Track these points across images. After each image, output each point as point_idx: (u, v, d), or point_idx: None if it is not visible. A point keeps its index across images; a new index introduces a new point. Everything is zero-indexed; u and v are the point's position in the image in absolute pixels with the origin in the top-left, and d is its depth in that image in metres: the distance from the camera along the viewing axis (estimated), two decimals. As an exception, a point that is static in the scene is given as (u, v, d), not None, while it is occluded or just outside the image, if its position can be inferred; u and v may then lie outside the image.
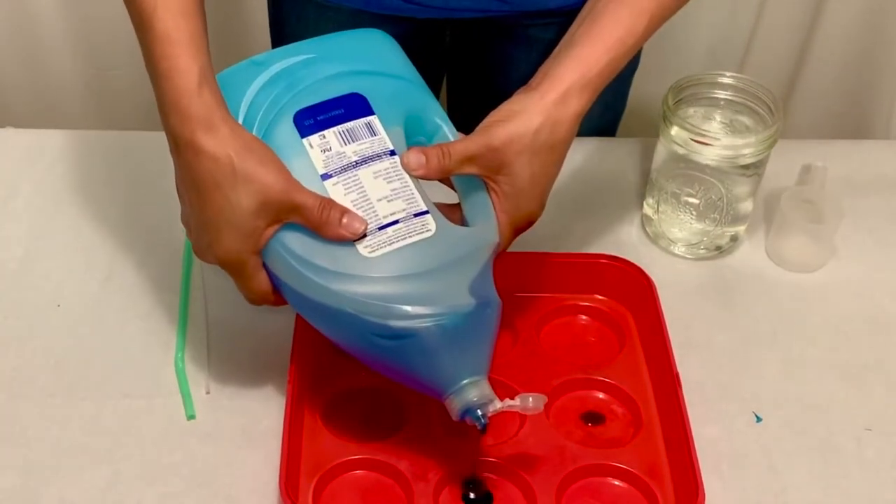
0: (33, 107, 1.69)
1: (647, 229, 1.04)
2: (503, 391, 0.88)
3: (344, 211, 0.76)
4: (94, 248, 1.01)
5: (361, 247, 0.77)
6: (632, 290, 0.94)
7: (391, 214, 0.79)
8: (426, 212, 0.80)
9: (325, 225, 0.76)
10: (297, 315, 0.88)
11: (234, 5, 1.66)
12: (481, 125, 0.82)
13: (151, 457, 0.84)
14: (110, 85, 1.68)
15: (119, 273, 0.99)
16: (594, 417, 0.88)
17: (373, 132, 0.81)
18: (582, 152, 1.14)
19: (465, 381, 0.77)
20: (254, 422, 0.86)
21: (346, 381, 0.88)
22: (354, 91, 0.82)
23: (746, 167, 0.96)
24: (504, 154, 0.80)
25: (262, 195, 0.75)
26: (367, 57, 0.85)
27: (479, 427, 0.77)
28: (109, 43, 1.63)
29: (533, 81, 0.84)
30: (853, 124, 1.70)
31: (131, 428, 0.86)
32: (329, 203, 0.76)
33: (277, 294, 0.80)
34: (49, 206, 1.06)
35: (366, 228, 0.77)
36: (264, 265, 0.79)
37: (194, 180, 0.76)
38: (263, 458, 0.83)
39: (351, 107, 0.81)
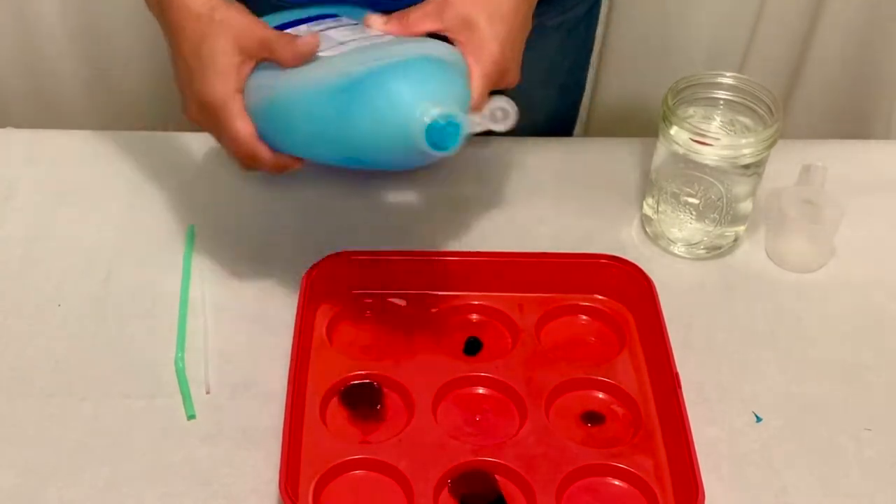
0: (33, 107, 1.69)
1: (647, 229, 1.04)
2: (503, 391, 0.89)
3: (297, 37, 0.84)
4: (94, 248, 1.01)
5: (322, 55, 0.84)
6: (632, 290, 0.94)
7: (351, 40, 0.86)
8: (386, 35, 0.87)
9: (284, 50, 0.83)
10: (298, 315, 0.88)
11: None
12: None
13: (151, 457, 0.84)
14: (110, 85, 1.68)
15: (119, 273, 0.99)
16: (594, 417, 0.88)
17: (338, 21, 0.90)
18: (582, 152, 1.14)
19: (425, 102, 0.77)
20: (254, 422, 0.86)
21: (345, 380, 0.88)
22: (326, 13, 0.92)
23: (746, 167, 0.96)
24: (457, 7, 0.86)
25: (236, 31, 0.84)
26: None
27: (447, 145, 0.77)
28: (109, 43, 1.63)
29: None
30: (853, 124, 1.70)
31: (131, 428, 0.86)
32: (289, 35, 0.85)
33: (261, 142, 0.85)
34: (49, 206, 1.06)
35: (317, 42, 0.83)
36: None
37: (184, 47, 0.85)
38: (263, 458, 0.83)
39: (319, 17, 0.92)
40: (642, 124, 1.27)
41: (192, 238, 1.01)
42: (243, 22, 0.84)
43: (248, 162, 0.87)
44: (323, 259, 0.94)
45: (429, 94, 0.78)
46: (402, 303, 0.95)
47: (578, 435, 0.86)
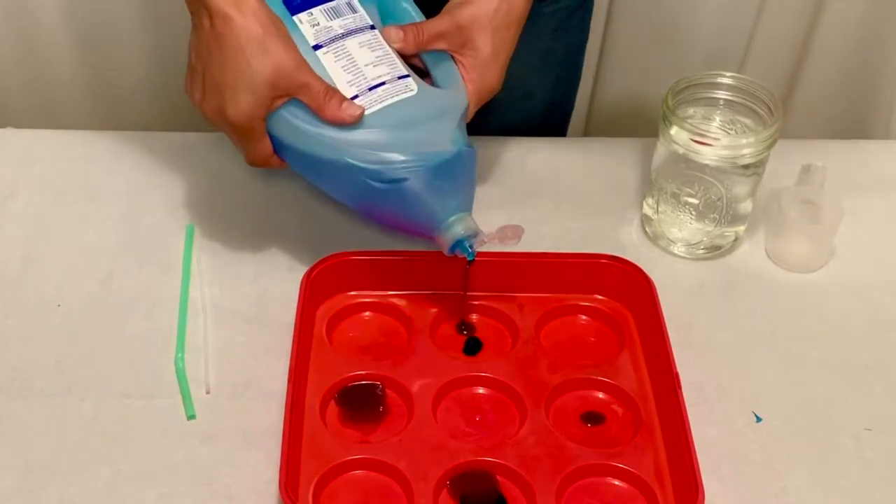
0: (33, 107, 1.69)
1: (647, 229, 1.04)
2: (503, 391, 0.89)
3: (344, 98, 0.87)
4: (94, 248, 1.01)
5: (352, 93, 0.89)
6: (632, 290, 0.94)
7: (378, 77, 0.90)
8: (407, 75, 0.92)
9: (327, 106, 0.86)
10: (298, 315, 0.88)
11: None
12: (447, 7, 0.94)
13: (151, 457, 0.84)
14: (110, 85, 1.68)
15: (119, 273, 0.99)
16: (594, 417, 0.88)
17: (353, 10, 0.93)
18: (582, 152, 1.14)
19: (452, 218, 0.88)
20: (254, 422, 0.86)
21: (345, 380, 0.88)
22: None
23: (746, 167, 0.96)
24: (469, 31, 0.93)
25: (278, 68, 0.85)
26: None
27: (468, 258, 0.89)
28: (109, 43, 1.63)
29: None
30: (853, 124, 1.70)
31: (131, 428, 0.86)
32: (332, 89, 0.87)
33: (276, 156, 0.91)
34: (49, 206, 1.06)
35: (363, 113, 0.87)
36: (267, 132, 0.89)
37: (221, 44, 0.84)
38: (263, 458, 0.83)
39: None
40: (642, 124, 1.27)
41: (191, 238, 1.01)
42: (290, 59, 0.85)
43: (255, 165, 0.92)
44: (323, 259, 0.94)
45: (459, 206, 0.89)
46: (402, 303, 0.95)
47: (578, 435, 0.86)
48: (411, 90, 0.91)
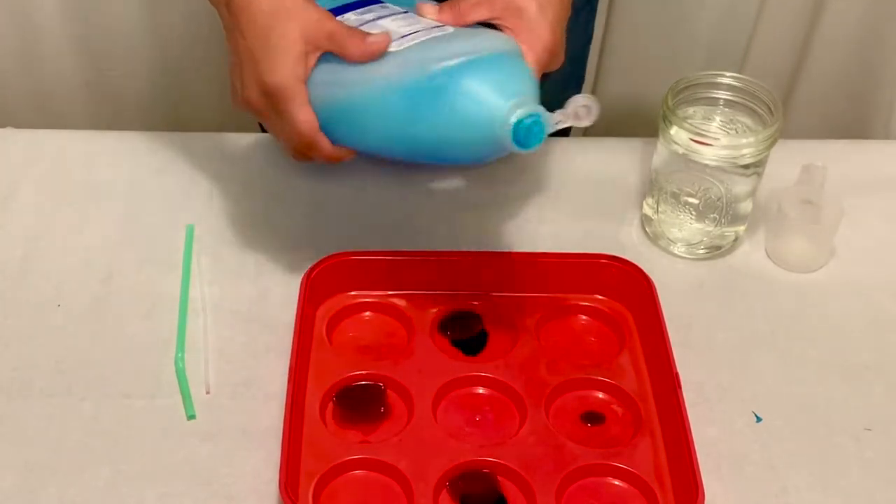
0: (33, 107, 1.69)
1: (647, 229, 1.04)
2: (503, 391, 0.89)
3: (367, 34, 0.84)
4: (94, 248, 1.01)
5: (390, 49, 0.84)
6: (632, 290, 0.94)
7: (413, 31, 0.85)
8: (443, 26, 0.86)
9: (351, 45, 0.84)
10: (298, 315, 0.88)
11: None
12: None
13: (151, 457, 0.84)
14: (110, 85, 1.68)
15: (119, 273, 0.99)
16: (594, 417, 0.88)
17: (385, 7, 0.90)
18: (582, 152, 1.14)
19: (511, 102, 0.79)
20: (254, 422, 0.86)
21: (345, 380, 0.88)
22: None
23: (746, 167, 0.96)
24: None
25: (303, 21, 0.84)
26: None
27: (538, 138, 0.79)
28: (109, 43, 1.63)
29: None
30: (853, 124, 1.70)
31: (131, 428, 0.86)
32: (357, 30, 0.85)
33: (322, 134, 0.86)
34: (49, 206, 1.06)
35: (389, 42, 0.83)
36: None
37: (244, 26, 0.85)
38: (263, 458, 0.83)
39: (363, 2, 0.92)
40: (642, 124, 1.27)
41: (191, 238, 1.01)
42: (313, 13, 0.85)
43: (303, 151, 0.88)
44: (323, 259, 0.94)
45: (512, 93, 0.80)
46: (401, 303, 0.95)
47: (578, 435, 0.86)
48: (448, 30, 0.86)
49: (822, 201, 1.01)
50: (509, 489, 0.82)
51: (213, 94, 1.68)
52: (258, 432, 0.85)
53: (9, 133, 1.15)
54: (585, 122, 0.81)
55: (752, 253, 1.03)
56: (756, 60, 1.63)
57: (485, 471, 0.83)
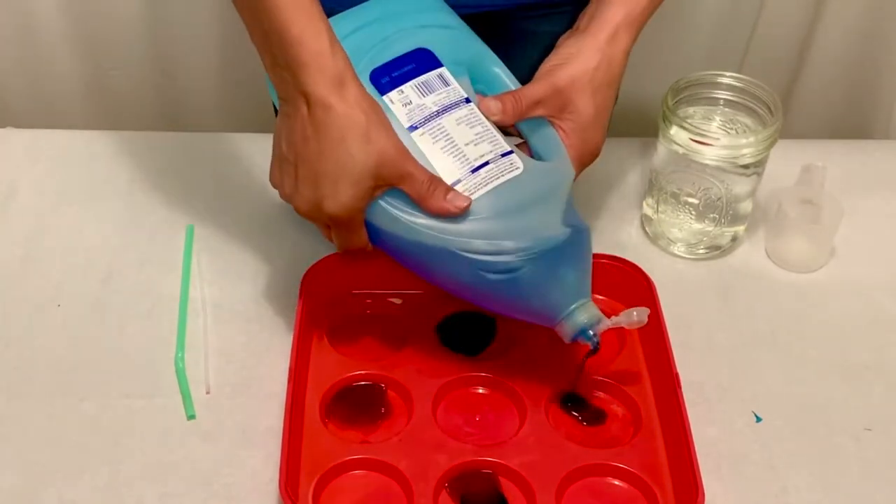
0: (33, 107, 1.69)
1: (647, 229, 1.04)
2: (503, 391, 0.89)
3: (449, 188, 0.81)
4: (94, 248, 1.01)
5: (461, 191, 0.82)
6: (632, 290, 0.94)
7: (481, 157, 0.84)
8: (511, 152, 0.86)
9: (431, 198, 0.81)
10: (297, 315, 0.88)
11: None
12: (541, 70, 0.89)
13: (151, 457, 0.84)
14: (110, 85, 1.68)
15: (119, 273, 0.99)
16: (594, 417, 0.87)
17: (446, 83, 0.87)
18: (582, 152, 1.14)
19: (573, 306, 0.83)
20: (254, 422, 0.86)
21: (345, 380, 0.88)
22: (420, 46, 0.87)
23: (746, 167, 0.96)
24: (568, 93, 0.88)
25: (381, 157, 0.79)
26: (419, 11, 0.90)
27: (592, 346, 0.84)
28: (109, 43, 1.63)
29: (580, 24, 0.91)
30: (853, 124, 1.70)
31: (131, 428, 0.86)
32: (436, 179, 0.81)
33: (369, 245, 0.85)
34: (49, 206, 1.06)
35: (469, 205, 0.81)
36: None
37: (320, 134, 0.79)
38: (263, 458, 0.83)
39: (420, 61, 0.87)
40: (642, 124, 1.27)
41: (191, 238, 1.01)
42: (392, 142, 0.80)
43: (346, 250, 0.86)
44: (323, 259, 0.94)
45: (578, 293, 0.84)
46: (401, 303, 0.95)
47: (578, 435, 0.86)
48: (517, 168, 0.85)
49: (822, 201, 1.01)
50: (509, 489, 0.82)
51: (213, 94, 1.69)
52: (258, 432, 0.85)
53: (9, 133, 1.15)
54: (635, 326, 0.86)
55: (752, 253, 1.03)
56: (756, 60, 1.63)
57: (485, 471, 0.83)
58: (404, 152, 0.81)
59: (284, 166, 0.82)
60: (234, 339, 0.93)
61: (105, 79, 1.67)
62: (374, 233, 0.84)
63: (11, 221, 1.04)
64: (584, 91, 0.88)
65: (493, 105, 0.87)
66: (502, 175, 0.84)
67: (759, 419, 0.89)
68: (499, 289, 0.83)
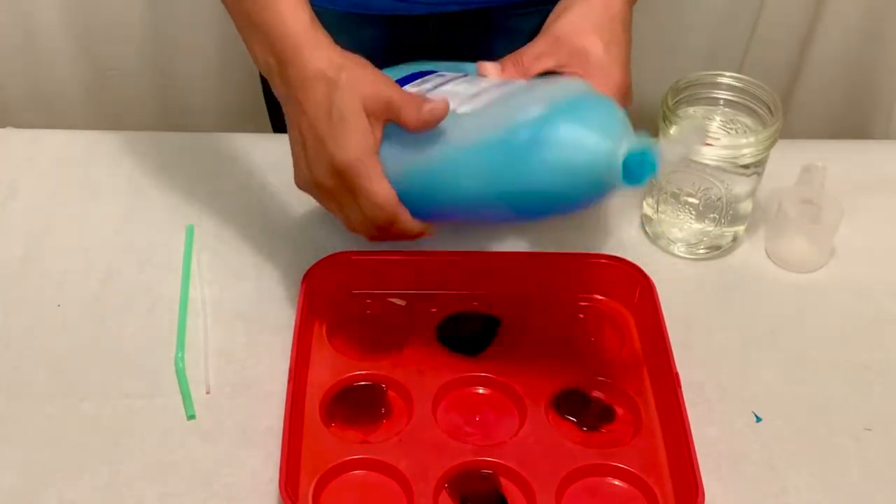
0: (33, 107, 1.69)
1: (647, 229, 1.04)
2: (503, 391, 0.89)
3: (424, 100, 0.80)
4: (94, 248, 1.01)
5: (460, 111, 0.80)
6: (632, 290, 0.94)
7: (482, 90, 0.82)
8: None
9: (405, 113, 0.79)
10: (298, 315, 0.88)
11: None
12: (542, 30, 0.88)
13: (151, 457, 0.84)
14: (110, 85, 1.68)
15: (119, 273, 0.99)
16: (594, 417, 0.87)
17: (442, 76, 0.87)
18: (582, 152, 1.14)
19: (615, 138, 0.76)
20: (254, 422, 0.86)
21: (345, 381, 0.88)
22: (413, 71, 0.90)
23: (746, 167, 0.96)
24: (570, 39, 0.86)
25: (363, 97, 0.79)
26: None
27: (651, 170, 0.75)
28: (109, 43, 1.63)
29: None
30: (853, 124, 1.70)
31: (131, 428, 0.86)
32: (411, 95, 0.81)
33: (401, 206, 0.81)
34: (49, 206, 1.06)
35: (447, 106, 0.79)
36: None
37: (308, 93, 0.80)
38: (263, 458, 0.83)
39: (417, 76, 0.89)
40: (642, 124, 1.27)
41: (191, 238, 1.01)
42: (369, 79, 0.81)
43: (382, 227, 0.83)
44: (322, 259, 0.94)
45: (612, 130, 0.77)
46: (401, 303, 0.95)
47: (578, 435, 0.86)
48: (519, 84, 0.83)
49: (822, 201, 1.01)
50: (509, 489, 0.82)
51: (213, 94, 1.69)
52: (258, 432, 0.85)
53: (9, 133, 1.15)
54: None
55: (752, 253, 1.03)
56: (756, 60, 1.63)
57: (485, 471, 0.83)
58: (385, 82, 0.81)
59: (297, 154, 0.83)
60: (234, 339, 0.93)
61: (105, 79, 1.68)
62: (404, 197, 0.81)
63: (11, 221, 1.04)
64: (586, 32, 0.86)
65: (492, 67, 0.86)
66: (503, 89, 0.82)
67: (759, 419, 0.89)
68: (530, 168, 0.76)
